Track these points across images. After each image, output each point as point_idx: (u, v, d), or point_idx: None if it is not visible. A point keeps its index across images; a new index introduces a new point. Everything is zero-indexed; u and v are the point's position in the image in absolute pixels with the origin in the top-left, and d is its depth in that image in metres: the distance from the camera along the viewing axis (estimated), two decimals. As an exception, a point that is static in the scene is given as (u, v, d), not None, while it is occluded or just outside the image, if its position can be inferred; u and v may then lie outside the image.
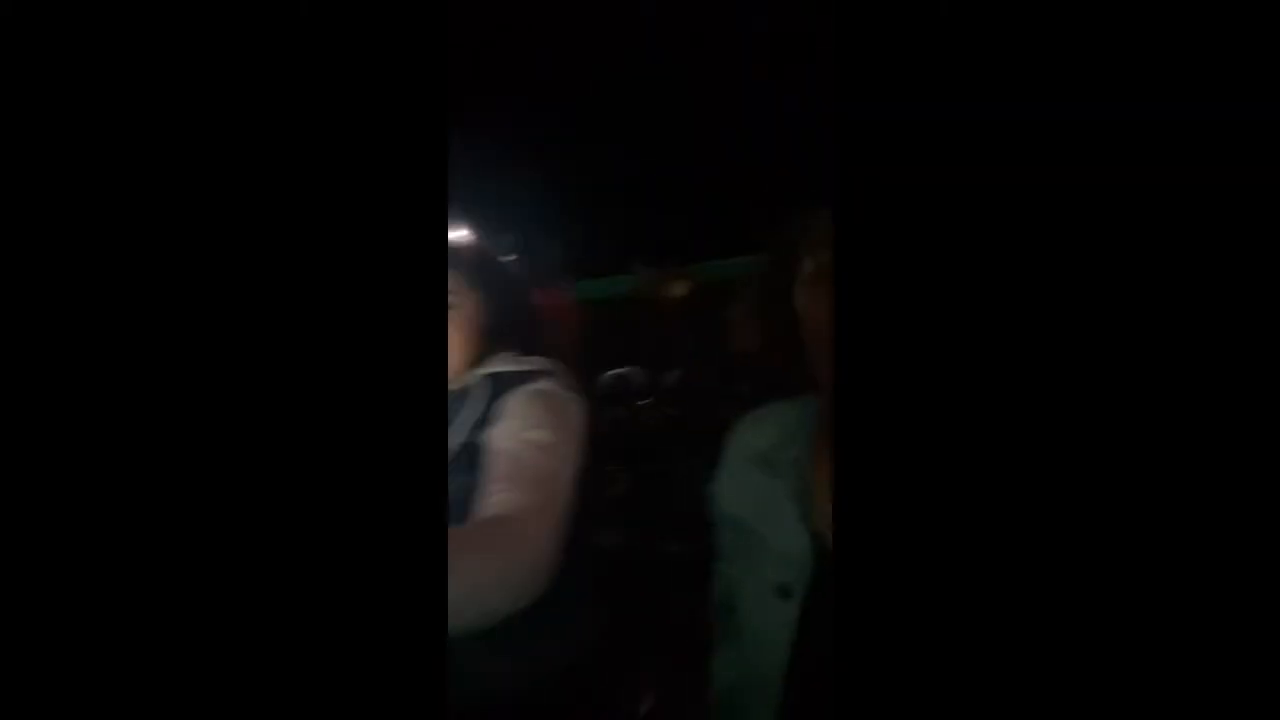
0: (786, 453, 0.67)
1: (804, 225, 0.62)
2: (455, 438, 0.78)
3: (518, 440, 0.72)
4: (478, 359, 0.86)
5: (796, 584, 0.61)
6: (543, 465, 0.70)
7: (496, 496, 0.67)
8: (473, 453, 0.75)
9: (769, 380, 0.68)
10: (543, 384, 0.80)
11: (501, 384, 0.81)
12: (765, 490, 0.67)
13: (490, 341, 0.87)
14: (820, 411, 0.67)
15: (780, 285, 0.62)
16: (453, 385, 0.86)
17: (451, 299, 0.85)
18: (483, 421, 0.77)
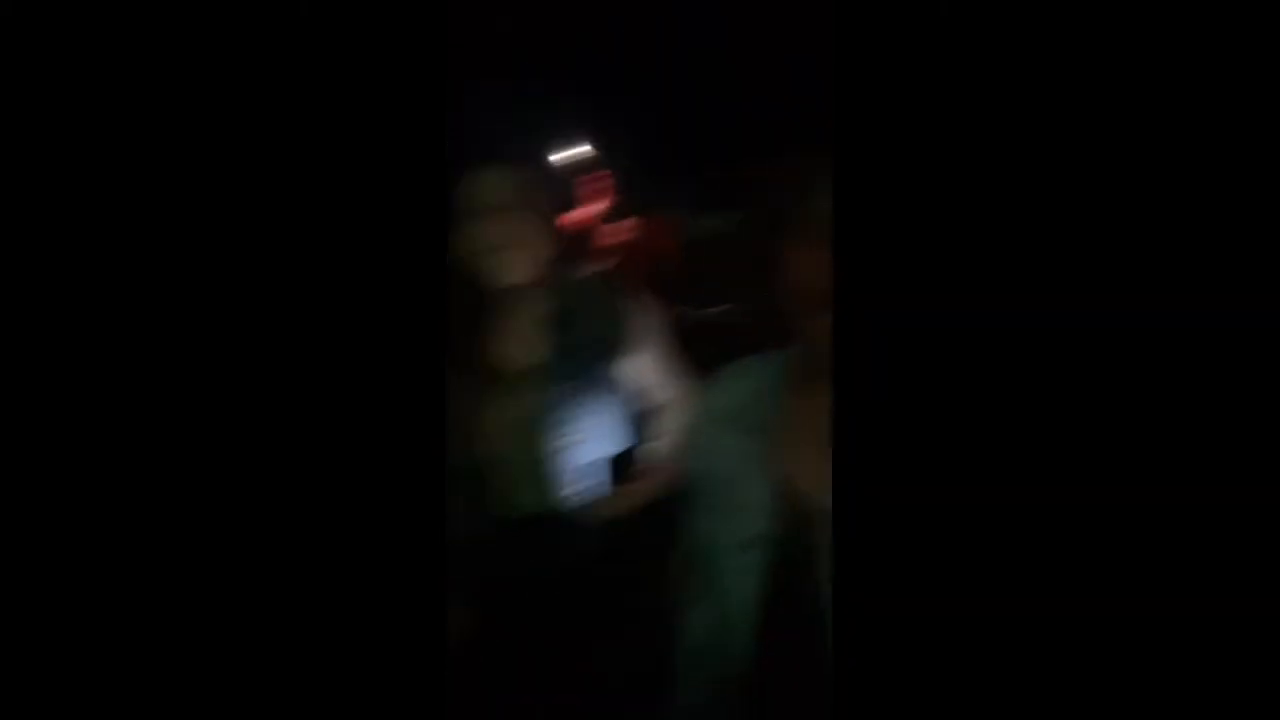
0: (757, 414, 0.68)
1: (794, 176, 0.63)
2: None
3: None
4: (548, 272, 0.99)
5: (765, 538, 0.63)
6: None
7: None
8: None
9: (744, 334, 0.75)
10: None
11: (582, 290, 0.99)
12: (735, 450, 0.68)
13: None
14: (792, 364, 0.68)
15: (761, 238, 0.67)
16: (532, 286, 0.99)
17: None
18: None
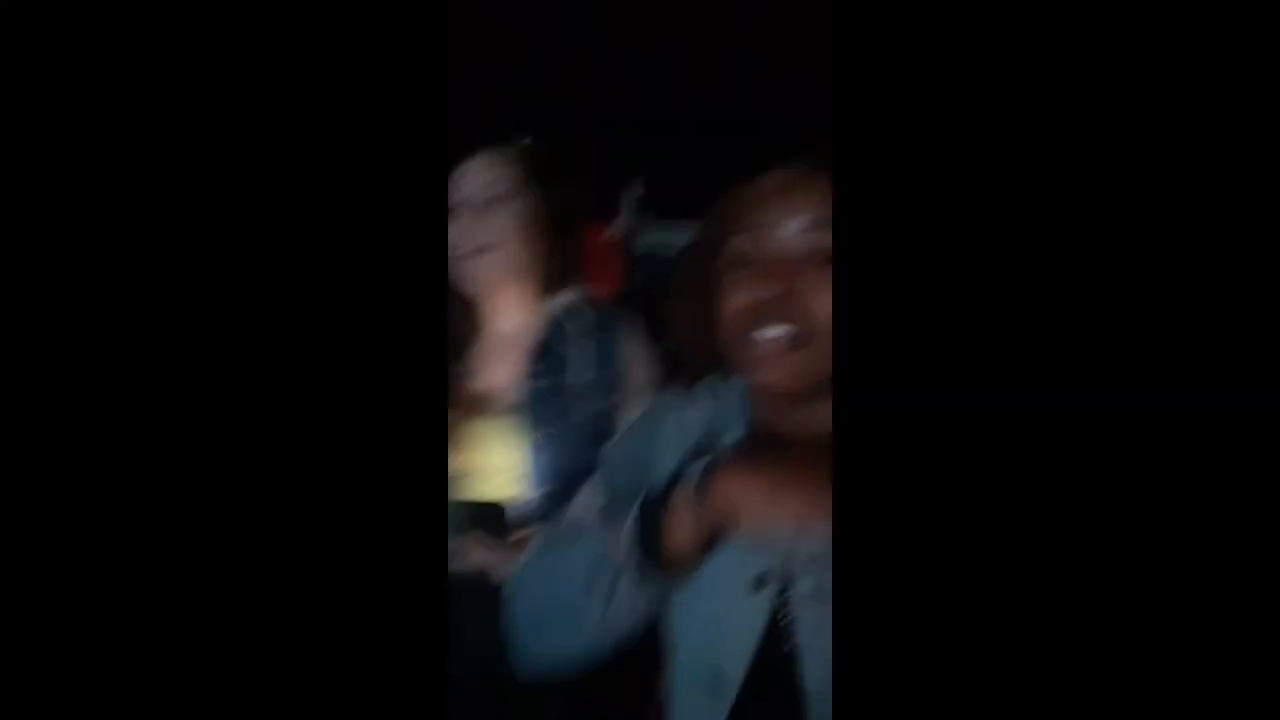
0: (722, 439, 0.61)
1: (732, 201, 0.57)
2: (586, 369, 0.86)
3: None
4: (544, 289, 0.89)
5: (771, 573, 0.55)
6: None
7: None
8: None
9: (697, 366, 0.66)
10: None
11: (591, 315, 0.88)
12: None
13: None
14: (752, 392, 0.61)
15: (705, 267, 0.59)
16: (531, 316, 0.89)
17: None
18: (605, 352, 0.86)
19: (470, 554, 0.79)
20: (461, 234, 0.83)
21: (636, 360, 0.88)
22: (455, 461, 0.84)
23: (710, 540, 0.52)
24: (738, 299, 0.55)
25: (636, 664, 0.63)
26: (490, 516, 0.83)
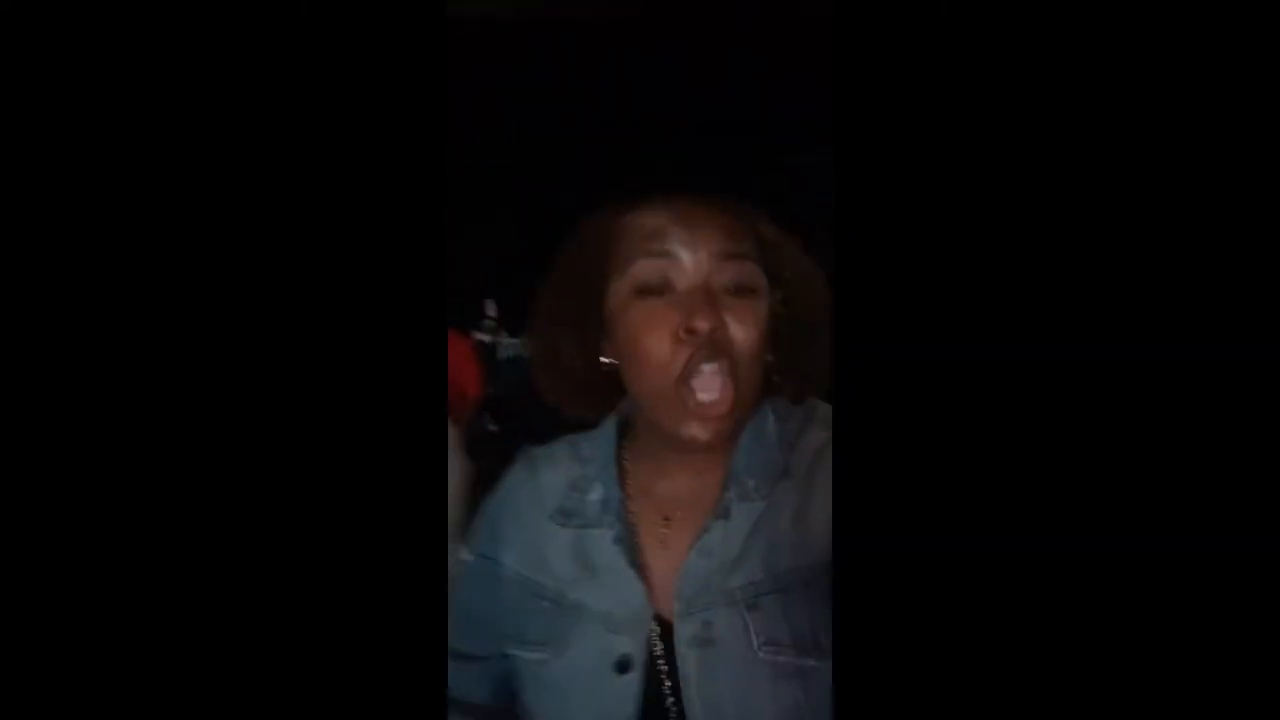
0: (587, 495, 0.55)
1: (588, 240, 0.55)
2: None
3: None
4: None
5: (637, 652, 0.51)
6: None
7: None
8: None
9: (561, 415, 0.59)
10: None
11: None
12: (572, 546, 0.55)
13: None
14: (634, 428, 0.57)
15: (569, 312, 0.56)
16: None
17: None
18: None
19: None
20: None
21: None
22: None
23: None
24: (661, 329, 0.49)
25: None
26: None
